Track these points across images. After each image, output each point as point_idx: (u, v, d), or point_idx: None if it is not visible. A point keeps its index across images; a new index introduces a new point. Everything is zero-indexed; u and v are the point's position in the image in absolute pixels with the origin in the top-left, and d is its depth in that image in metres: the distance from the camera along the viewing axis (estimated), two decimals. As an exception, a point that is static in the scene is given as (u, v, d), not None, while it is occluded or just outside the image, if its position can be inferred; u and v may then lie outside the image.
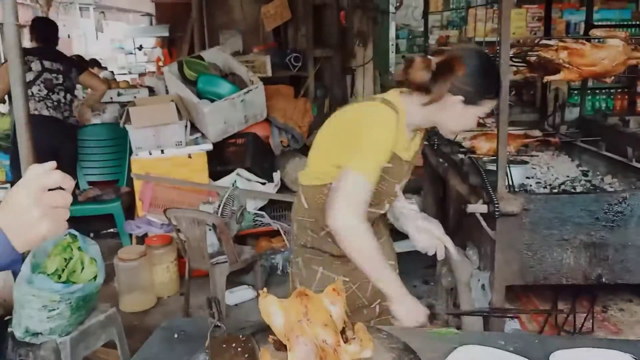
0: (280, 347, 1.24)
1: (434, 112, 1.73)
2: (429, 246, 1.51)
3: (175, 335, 1.51)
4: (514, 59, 2.59)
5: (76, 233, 2.46)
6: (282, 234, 4.54)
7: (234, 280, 3.84)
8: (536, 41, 2.54)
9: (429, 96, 1.69)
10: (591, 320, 2.68)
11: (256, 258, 3.65)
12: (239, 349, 1.26)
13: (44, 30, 4.63)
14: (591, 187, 2.83)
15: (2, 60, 6.34)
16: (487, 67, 1.74)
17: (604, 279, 2.48)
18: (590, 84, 7.26)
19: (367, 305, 1.99)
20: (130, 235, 4.31)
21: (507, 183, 2.50)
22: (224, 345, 1.27)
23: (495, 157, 2.63)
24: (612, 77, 2.42)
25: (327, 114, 3.12)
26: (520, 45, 2.89)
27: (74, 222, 2.46)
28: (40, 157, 2.60)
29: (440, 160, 3.46)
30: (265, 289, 1.31)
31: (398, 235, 2.14)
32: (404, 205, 1.94)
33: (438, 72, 1.66)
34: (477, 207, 2.44)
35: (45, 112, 4.39)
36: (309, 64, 5.70)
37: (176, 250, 4.03)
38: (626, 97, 7.23)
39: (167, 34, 10.37)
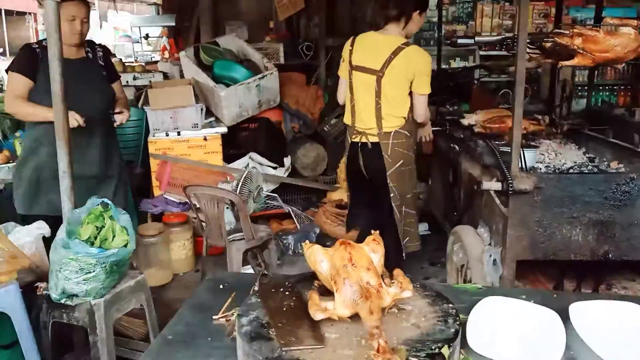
0: (324, 291, 1.36)
1: None
2: None
3: (221, 286, 1.63)
4: (530, 46, 2.70)
5: (108, 202, 2.56)
6: (293, 217, 4.67)
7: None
8: (553, 29, 2.65)
9: None
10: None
11: (271, 236, 3.75)
12: (287, 293, 1.38)
13: None
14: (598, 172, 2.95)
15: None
16: None
17: (610, 256, 2.60)
18: (595, 80, 7.42)
19: None
20: (147, 213, 4.42)
21: (520, 163, 2.62)
22: (273, 290, 1.39)
23: (507, 142, 2.75)
24: (622, 64, 2.52)
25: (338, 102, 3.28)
26: (535, 34, 3.00)
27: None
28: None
29: (452, 145, 3.58)
30: (307, 242, 1.44)
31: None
32: None
33: None
34: (492, 185, 2.56)
35: None
36: (321, 53, 5.79)
37: (192, 229, 4.14)
38: (629, 93, 7.38)
39: (173, 24, 10.44)
